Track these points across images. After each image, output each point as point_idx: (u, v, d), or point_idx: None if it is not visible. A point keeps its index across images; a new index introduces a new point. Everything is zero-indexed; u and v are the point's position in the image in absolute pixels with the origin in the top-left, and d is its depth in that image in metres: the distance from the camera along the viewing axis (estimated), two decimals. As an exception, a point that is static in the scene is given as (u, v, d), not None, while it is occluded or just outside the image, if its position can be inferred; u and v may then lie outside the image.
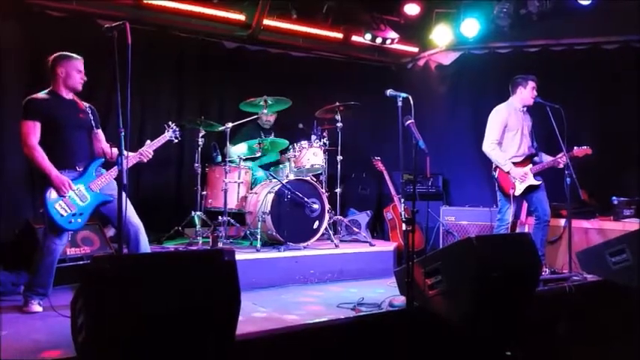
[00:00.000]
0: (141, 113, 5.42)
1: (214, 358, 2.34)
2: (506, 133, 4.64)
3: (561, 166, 4.44)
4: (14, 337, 2.69)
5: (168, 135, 3.89)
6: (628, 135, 5.30)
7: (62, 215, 3.19)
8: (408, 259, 2.94)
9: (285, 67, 6.26)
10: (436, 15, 6.17)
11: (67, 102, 3.40)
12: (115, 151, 3.43)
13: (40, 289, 3.26)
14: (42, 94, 3.35)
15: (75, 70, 3.38)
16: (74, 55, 3.42)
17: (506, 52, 6.16)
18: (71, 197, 3.23)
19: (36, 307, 3.22)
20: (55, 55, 3.39)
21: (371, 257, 4.82)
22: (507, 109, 4.68)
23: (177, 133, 3.98)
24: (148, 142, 3.71)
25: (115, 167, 3.35)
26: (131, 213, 3.36)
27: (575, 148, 4.51)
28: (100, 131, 3.56)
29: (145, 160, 3.62)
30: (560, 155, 4.47)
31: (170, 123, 3.97)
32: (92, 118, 3.49)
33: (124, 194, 2.68)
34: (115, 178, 3.42)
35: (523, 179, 4.51)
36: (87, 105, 3.52)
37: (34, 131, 3.23)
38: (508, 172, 4.54)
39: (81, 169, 3.35)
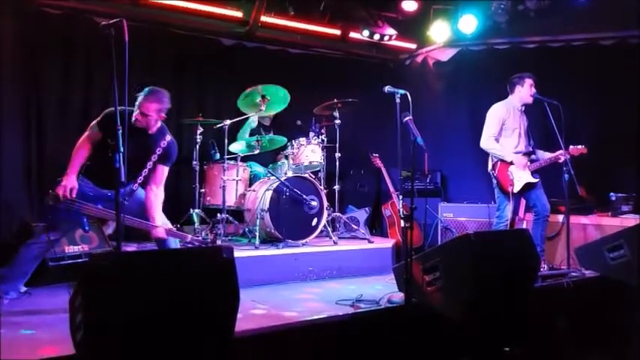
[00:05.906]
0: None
1: (213, 355, 2.34)
2: (503, 131, 4.63)
3: (561, 161, 4.41)
4: (12, 335, 2.68)
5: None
6: (626, 131, 5.30)
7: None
8: (407, 256, 2.94)
9: (283, 64, 6.24)
10: (434, 11, 6.15)
11: (141, 136, 3.34)
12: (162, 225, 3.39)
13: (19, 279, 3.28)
14: (135, 114, 3.34)
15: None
16: None
17: (504, 48, 6.15)
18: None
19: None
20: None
21: (369, 254, 4.83)
22: (506, 107, 4.66)
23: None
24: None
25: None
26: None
27: (571, 147, 4.48)
28: (161, 167, 3.46)
29: None
30: (558, 152, 4.46)
31: None
32: (159, 155, 3.43)
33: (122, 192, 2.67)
34: (111, 177, 3.30)
35: (525, 168, 4.50)
36: (168, 140, 3.48)
37: (89, 136, 3.32)
38: (511, 162, 4.53)
39: (97, 190, 3.33)
